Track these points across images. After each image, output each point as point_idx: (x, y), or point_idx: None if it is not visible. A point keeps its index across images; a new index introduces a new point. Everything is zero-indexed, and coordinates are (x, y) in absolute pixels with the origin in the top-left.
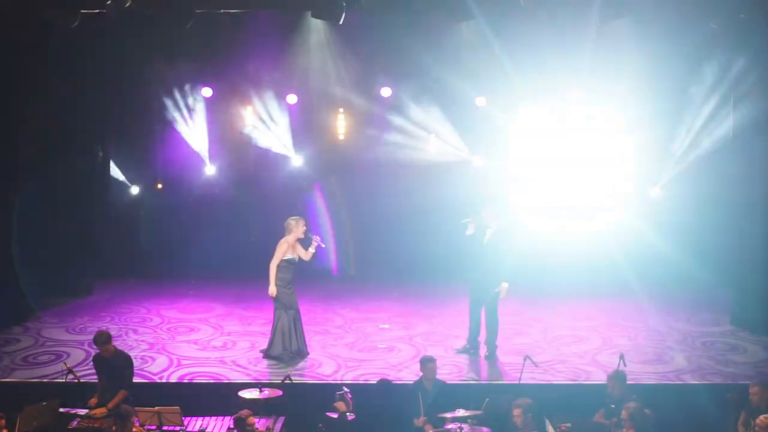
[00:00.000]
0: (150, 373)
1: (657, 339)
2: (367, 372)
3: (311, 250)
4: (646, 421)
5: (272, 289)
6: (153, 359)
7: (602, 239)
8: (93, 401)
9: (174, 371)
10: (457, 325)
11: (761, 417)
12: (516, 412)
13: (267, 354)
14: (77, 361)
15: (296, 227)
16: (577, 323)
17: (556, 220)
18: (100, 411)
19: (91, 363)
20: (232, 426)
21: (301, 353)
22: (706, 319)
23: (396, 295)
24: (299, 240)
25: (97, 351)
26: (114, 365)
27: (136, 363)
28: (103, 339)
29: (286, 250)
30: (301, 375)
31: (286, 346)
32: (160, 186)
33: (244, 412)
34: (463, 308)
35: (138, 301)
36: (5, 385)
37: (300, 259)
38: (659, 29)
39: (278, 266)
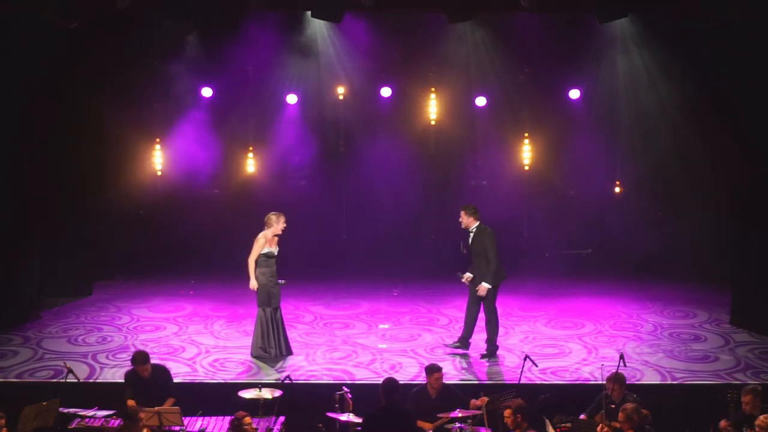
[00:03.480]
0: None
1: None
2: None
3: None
4: (644, 421)
5: (253, 283)
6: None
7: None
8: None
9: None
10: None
11: (761, 417)
12: (506, 412)
13: (251, 354)
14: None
15: (277, 222)
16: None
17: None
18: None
19: (126, 379)
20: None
21: (282, 352)
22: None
23: (395, 294)
24: (277, 235)
25: (131, 368)
26: (151, 383)
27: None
28: (141, 360)
29: (263, 244)
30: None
31: (265, 345)
32: None
33: (240, 413)
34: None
35: (137, 301)
36: (5, 385)
37: (279, 252)
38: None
39: (257, 261)
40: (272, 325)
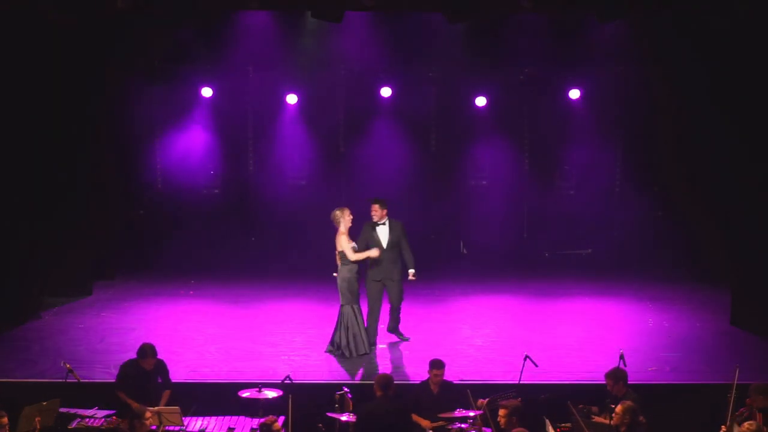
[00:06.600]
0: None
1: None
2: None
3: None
4: (638, 427)
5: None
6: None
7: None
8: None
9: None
10: None
11: (745, 424)
12: (501, 412)
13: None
14: None
15: (342, 216)
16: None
17: None
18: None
19: (123, 370)
20: (231, 426)
21: (367, 349)
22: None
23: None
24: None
25: (134, 359)
26: (152, 375)
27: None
28: (151, 353)
29: (348, 239)
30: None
31: (338, 341)
32: None
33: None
34: None
35: (137, 301)
36: (5, 385)
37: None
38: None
39: (343, 258)
40: (358, 321)
